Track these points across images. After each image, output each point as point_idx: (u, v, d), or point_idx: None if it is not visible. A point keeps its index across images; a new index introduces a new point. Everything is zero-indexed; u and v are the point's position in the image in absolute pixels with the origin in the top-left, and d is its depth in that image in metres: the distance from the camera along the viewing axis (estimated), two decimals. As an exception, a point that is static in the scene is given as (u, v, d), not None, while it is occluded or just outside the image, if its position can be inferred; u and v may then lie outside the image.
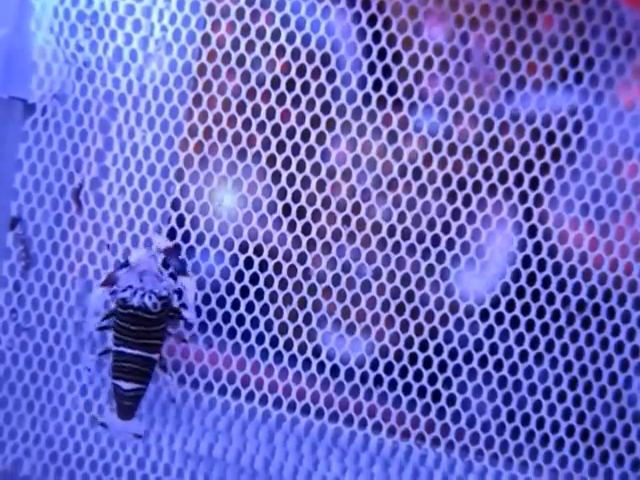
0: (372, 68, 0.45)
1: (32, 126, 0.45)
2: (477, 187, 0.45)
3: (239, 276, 0.45)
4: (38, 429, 0.46)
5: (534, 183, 0.44)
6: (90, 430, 0.46)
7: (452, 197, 0.45)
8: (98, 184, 0.45)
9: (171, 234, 0.45)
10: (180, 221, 0.45)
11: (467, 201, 0.45)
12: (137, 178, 0.45)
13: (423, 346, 0.45)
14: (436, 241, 0.45)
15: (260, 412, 0.46)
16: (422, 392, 0.45)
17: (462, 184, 0.45)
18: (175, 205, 0.45)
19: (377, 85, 0.44)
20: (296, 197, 0.45)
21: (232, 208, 0.45)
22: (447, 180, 0.45)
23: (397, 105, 0.45)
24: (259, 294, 0.45)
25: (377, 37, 0.44)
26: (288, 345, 0.45)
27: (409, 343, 0.45)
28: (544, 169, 0.44)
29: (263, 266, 0.45)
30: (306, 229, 0.45)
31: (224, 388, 0.46)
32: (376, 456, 0.45)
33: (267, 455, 0.46)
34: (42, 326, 0.46)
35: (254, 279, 0.45)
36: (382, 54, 0.44)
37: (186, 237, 0.45)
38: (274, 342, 0.45)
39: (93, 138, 0.45)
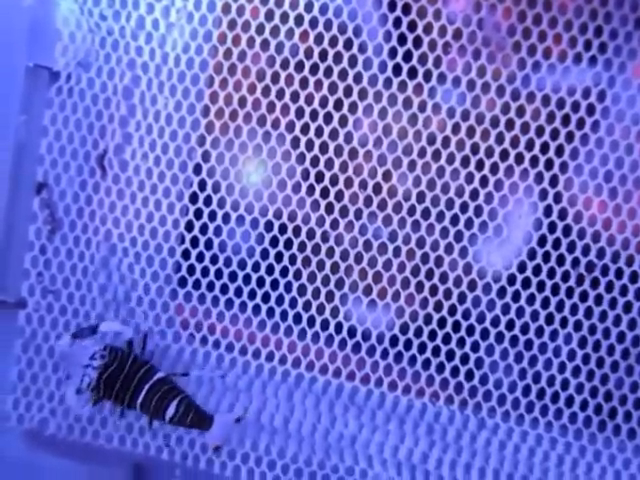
0: (393, 52, 0.46)
1: (57, 93, 0.46)
2: (494, 168, 0.46)
3: (259, 239, 0.47)
4: (64, 389, 0.48)
5: (549, 163, 0.46)
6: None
7: (470, 177, 0.46)
8: (122, 150, 0.47)
9: (193, 198, 0.46)
10: (202, 186, 0.46)
11: (485, 181, 0.46)
12: (159, 144, 0.46)
13: (437, 307, 0.46)
14: (455, 220, 0.46)
15: (279, 372, 0.47)
16: (436, 351, 0.46)
17: (480, 165, 0.46)
18: (197, 170, 0.46)
19: (397, 68, 0.46)
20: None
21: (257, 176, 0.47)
22: (465, 161, 0.46)
23: (417, 87, 0.46)
24: (279, 256, 0.47)
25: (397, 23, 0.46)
26: (306, 306, 0.47)
27: (424, 304, 0.46)
28: (559, 149, 0.46)
29: (282, 229, 0.47)
30: (324, 192, 0.47)
31: (244, 348, 0.47)
32: (392, 414, 0.47)
33: (286, 413, 0.47)
34: (68, 289, 0.47)
35: (274, 242, 0.47)
36: (402, 39, 0.46)
37: (208, 201, 0.46)
38: (293, 304, 0.47)
39: (117, 105, 0.46)
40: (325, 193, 0.46)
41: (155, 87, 0.46)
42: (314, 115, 0.46)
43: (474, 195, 0.46)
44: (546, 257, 0.46)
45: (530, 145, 0.45)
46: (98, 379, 0.44)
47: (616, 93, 0.45)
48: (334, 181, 0.46)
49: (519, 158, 0.46)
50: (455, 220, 0.46)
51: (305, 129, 0.46)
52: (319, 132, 0.46)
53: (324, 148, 0.46)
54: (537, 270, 0.46)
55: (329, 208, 0.46)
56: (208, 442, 0.46)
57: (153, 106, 0.46)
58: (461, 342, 0.46)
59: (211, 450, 0.46)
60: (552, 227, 0.46)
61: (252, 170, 0.46)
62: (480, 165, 0.46)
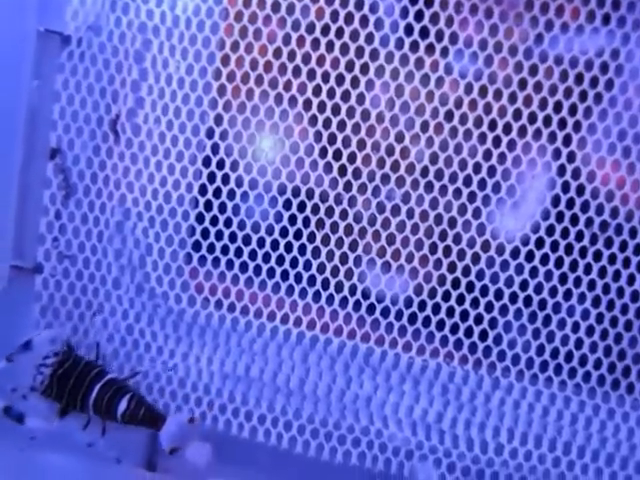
0: (405, 12, 0.45)
1: (68, 58, 0.46)
2: (507, 128, 0.46)
3: (272, 202, 0.47)
4: (82, 352, 0.48)
5: (563, 122, 0.45)
6: (132, 352, 0.48)
7: (483, 138, 0.46)
8: (134, 114, 0.47)
9: (206, 162, 0.47)
10: (214, 149, 0.47)
11: (498, 141, 0.46)
12: (172, 108, 0.46)
13: (451, 268, 0.47)
14: (468, 181, 0.46)
15: (295, 333, 0.48)
16: (450, 312, 0.47)
17: (493, 125, 0.46)
18: (209, 134, 0.46)
19: (409, 29, 0.45)
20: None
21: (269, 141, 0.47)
22: (478, 121, 0.46)
23: (429, 49, 0.46)
24: (292, 219, 0.47)
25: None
26: (320, 269, 0.47)
27: (437, 265, 0.47)
28: (572, 108, 0.45)
29: (295, 192, 0.47)
30: (342, 170, 0.47)
31: (259, 311, 0.48)
32: (406, 374, 0.47)
33: (302, 375, 0.48)
34: (83, 253, 0.48)
35: (287, 205, 0.47)
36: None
37: (220, 165, 0.47)
38: (307, 266, 0.47)
39: (128, 69, 0.46)
40: (337, 155, 0.46)
41: (167, 50, 0.46)
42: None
43: (487, 155, 0.46)
44: (559, 217, 0.46)
45: (543, 104, 0.45)
46: (51, 376, 0.45)
47: (630, 51, 0.45)
48: (346, 143, 0.46)
49: (532, 117, 0.45)
50: (468, 181, 0.46)
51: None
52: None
53: (336, 109, 0.46)
54: (550, 230, 0.46)
55: (342, 170, 0.46)
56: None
57: (165, 70, 0.46)
58: (475, 302, 0.46)
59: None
60: (565, 187, 0.46)
61: (264, 135, 0.47)
62: (493, 125, 0.46)
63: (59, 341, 0.46)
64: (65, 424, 0.45)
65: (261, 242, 0.47)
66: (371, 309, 0.47)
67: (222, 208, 0.47)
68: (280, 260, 0.47)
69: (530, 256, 0.46)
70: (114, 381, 0.45)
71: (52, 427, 0.45)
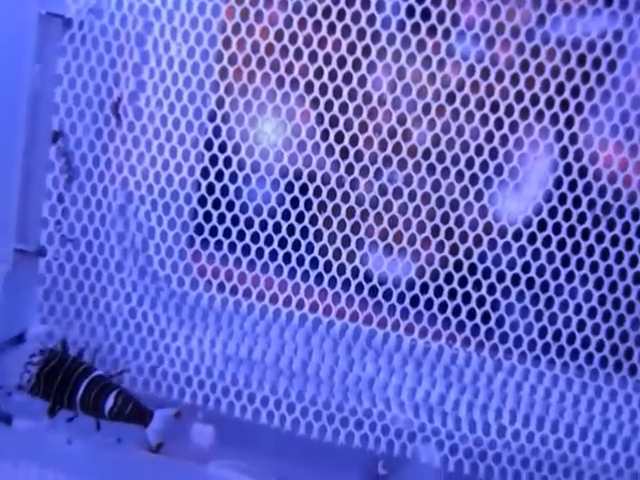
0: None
1: (70, 41, 0.46)
2: (509, 110, 0.46)
3: (275, 186, 0.47)
4: (87, 335, 0.48)
5: (565, 104, 0.45)
6: (136, 335, 0.48)
7: (485, 120, 0.46)
8: (136, 97, 0.47)
9: (208, 145, 0.47)
10: (216, 132, 0.46)
11: (500, 123, 0.46)
12: (173, 91, 0.46)
13: (453, 250, 0.47)
14: (470, 163, 0.46)
15: (297, 316, 0.48)
16: (453, 294, 0.47)
17: (495, 107, 0.46)
18: (211, 116, 0.46)
19: (411, 11, 0.45)
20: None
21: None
22: (480, 103, 0.46)
23: (431, 31, 0.46)
24: (294, 202, 0.47)
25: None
26: (323, 251, 0.47)
27: (440, 248, 0.46)
28: (574, 90, 0.45)
29: (298, 174, 0.47)
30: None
31: (262, 294, 0.48)
32: (409, 356, 0.47)
33: (304, 357, 0.48)
34: (86, 237, 0.48)
35: (289, 187, 0.47)
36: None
37: (222, 148, 0.47)
38: (310, 249, 0.47)
39: (130, 52, 0.46)
40: (339, 138, 0.46)
41: (168, 33, 0.46)
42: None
43: (489, 137, 0.46)
44: (562, 199, 0.45)
45: (545, 86, 0.45)
46: (38, 374, 0.45)
47: (632, 32, 0.44)
48: (348, 125, 0.46)
49: (534, 99, 0.45)
50: (470, 163, 0.46)
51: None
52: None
53: (337, 91, 0.46)
54: (553, 212, 0.46)
55: (343, 153, 0.46)
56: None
57: (166, 53, 0.46)
58: (477, 285, 0.46)
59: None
60: (568, 169, 0.45)
61: (266, 118, 0.47)
62: (495, 107, 0.45)
63: (52, 337, 0.46)
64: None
65: (263, 225, 0.47)
66: (373, 291, 0.47)
67: (224, 191, 0.47)
68: (282, 243, 0.47)
69: (532, 238, 0.46)
70: (101, 378, 0.45)
71: (42, 427, 0.46)
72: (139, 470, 0.47)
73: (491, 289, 0.46)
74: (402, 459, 0.47)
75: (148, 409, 0.45)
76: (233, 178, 0.47)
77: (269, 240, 0.47)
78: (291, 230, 0.47)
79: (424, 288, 0.47)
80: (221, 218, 0.47)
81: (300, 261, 0.47)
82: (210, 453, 0.48)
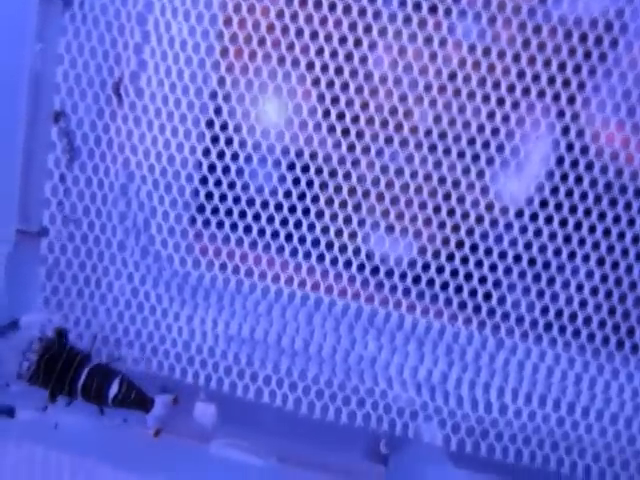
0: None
1: (71, 20, 0.46)
2: (511, 88, 0.46)
3: (276, 165, 0.47)
4: (89, 314, 0.49)
5: (567, 82, 0.45)
6: (137, 315, 0.48)
7: (487, 98, 0.46)
8: (137, 77, 0.47)
9: (209, 124, 0.47)
10: (218, 111, 0.46)
11: (501, 102, 0.46)
12: (175, 70, 0.46)
13: (455, 229, 0.47)
14: (472, 142, 0.46)
15: (299, 295, 0.48)
16: (454, 273, 0.47)
17: (497, 85, 0.46)
18: (213, 96, 0.46)
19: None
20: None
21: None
22: (482, 82, 0.46)
23: (433, 9, 0.45)
24: (296, 181, 0.47)
25: None
26: (324, 230, 0.47)
27: (442, 227, 0.47)
28: (576, 68, 0.45)
29: (299, 154, 0.47)
30: (345, 132, 0.47)
31: (264, 273, 0.48)
32: (411, 335, 0.48)
33: (306, 336, 0.48)
34: (88, 217, 0.48)
35: (291, 167, 0.47)
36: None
37: (224, 127, 0.47)
38: (311, 227, 0.47)
39: (131, 32, 0.46)
40: (341, 117, 0.46)
41: (169, 13, 0.46)
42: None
43: (491, 116, 0.46)
44: (564, 177, 0.45)
45: (547, 64, 0.45)
46: (38, 362, 0.45)
47: (635, 9, 0.44)
48: (349, 104, 0.46)
49: (536, 78, 0.45)
50: (472, 142, 0.46)
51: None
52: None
53: (339, 70, 0.46)
54: (554, 191, 0.46)
55: (345, 132, 0.46)
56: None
57: (167, 32, 0.46)
58: (479, 264, 0.46)
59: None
60: (570, 147, 0.45)
61: (267, 97, 0.46)
62: (496, 86, 0.45)
63: (48, 325, 0.46)
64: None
65: (265, 204, 0.47)
66: (375, 271, 0.47)
67: (226, 170, 0.47)
68: (284, 222, 0.47)
69: (534, 217, 0.46)
70: (100, 365, 0.46)
71: (44, 414, 0.46)
72: (141, 449, 0.47)
73: (493, 268, 0.46)
74: (404, 438, 0.48)
75: (149, 396, 0.45)
76: (235, 157, 0.47)
77: (271, 219, 0.47)
78: (293, 209, 0.47)
79: (426, 267, 0.47)
80: (223, 198, 0.47)
81: (302, 240, 0.47)
82: (212, 432, 0.48)
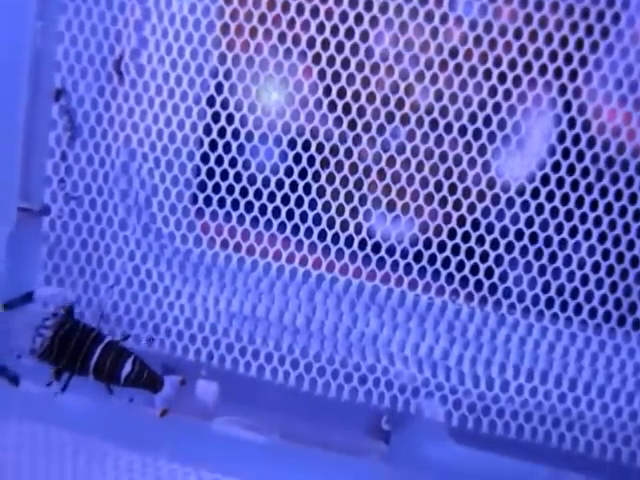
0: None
1: (71, -3, 0.46)
2: (512, 64, 0.45)
3: (277, 142, 0.47)
4: (90, 293, 0.49)
5: (568, 57, 0.45)
6: (139, 293, 0.48)
7: (488, 74, 0.46)
8: (138, 55, 0.47)
9: (210, 101, 0.47)
10: (219, 88, 0.46)
11: (503, 78, 0.46)
12: (175, 48, 0.46)
13: (456, 205, 0.46)
14: (473, 118, 0.46)
15: (301, 272, 0.48)
16: (456, 250, 0.47)
17: (498, 61, 0.45)
18: (214, 73, 0.46)
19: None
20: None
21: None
22: (483, 58, 0.45)
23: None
24: (296, 158, 0.47)
25: None
26: (326, 207, 0.47)
27: (443, 204, 0.47)
28: (578, 43, 0.45)
29: (300, 130, 0.47)
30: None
31: (265, 251, 0.48)
32: (412, 312, 0.48)
33: (308, 313, 0.48)
34: (90, 195, 0.48)
35: (292, 144, 0.47)
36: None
37: (225, 104, 0.47)
38: (312, 205, 0.47)
39: (131, 9, 0.46)
40: (341, 94, 0.46)
41: (169, -11, 0.46)
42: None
43: (492, 92, 0.46)
44: (565, 153, 0.45)
45: (549, 39, 0.45)
46: (52, 338, 0.45)
47: (636, -16, 0.44)
48: (350, 81, 0.46)
49: (537, 53, 0.45)
50: (473, 118, 0.46)
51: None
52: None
53: (340, 47, 0.46)
54: (556, 167, 0.46)
55: (346, 109, 0.46)
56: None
57: (168, 9, 0.46)
58: (480, 240, 0.46)
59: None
60: (571, 123, 0.45)
61: (268, 74, 0.46)
62: (498, 62, 0.45)
63: (60, 301, 0.46)
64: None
65: (266, 181, 0.47)
66: (377, 247, 0.47)
67: (227, 148, 0.47)
68: (285, 199, 0.47)
69: (536, 193, 0.46)
70: (113, 343, 0.45)
71: (47, 391, 0.46)
72: (143, 427, 0.47)
73: (494, 244, 0.46)
74: (406, 414, 0.48)
75: (159, 375, 0.46)
76: (235, 135, 0.47)
77: (272, 197, 0.47)
78: (294, 187, 0.47)
79: (427, 244, 0.47)
80: (224, 175, 0.47)
81: (303, 218, 0.47)
82: (214, 409, 0.48)
